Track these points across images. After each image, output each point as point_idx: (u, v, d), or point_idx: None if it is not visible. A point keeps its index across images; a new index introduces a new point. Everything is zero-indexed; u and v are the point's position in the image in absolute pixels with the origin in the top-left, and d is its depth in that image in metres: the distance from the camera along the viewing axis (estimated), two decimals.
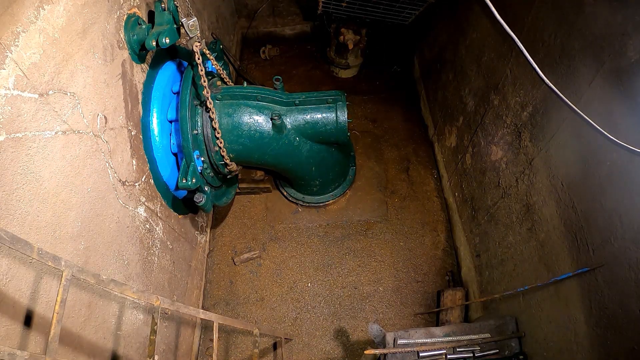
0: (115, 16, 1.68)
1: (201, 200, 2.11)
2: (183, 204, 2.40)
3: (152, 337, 1.24)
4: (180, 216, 2.42)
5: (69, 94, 1.35)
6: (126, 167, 1.77)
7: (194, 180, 2.00)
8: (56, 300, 0.96)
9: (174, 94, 2.20)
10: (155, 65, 2.03)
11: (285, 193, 3.16)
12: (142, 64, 1.95)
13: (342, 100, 2.35)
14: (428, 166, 3.31)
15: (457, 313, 2.53)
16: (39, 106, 1.21)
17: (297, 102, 2.33)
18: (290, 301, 2.78)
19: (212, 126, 2.17)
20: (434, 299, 2.74)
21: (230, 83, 2.50)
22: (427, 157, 3.38)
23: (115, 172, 1.67)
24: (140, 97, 1.92)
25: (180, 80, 2.15)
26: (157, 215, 2.08)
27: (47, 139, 1.25)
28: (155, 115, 2.06)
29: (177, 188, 2.17)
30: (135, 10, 1.85)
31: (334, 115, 2.32)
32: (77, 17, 1.39)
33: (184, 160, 2.06)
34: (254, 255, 2.94)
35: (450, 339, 1.87)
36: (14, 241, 0.89)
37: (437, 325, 2.59)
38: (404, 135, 3.53)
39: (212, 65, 2.28)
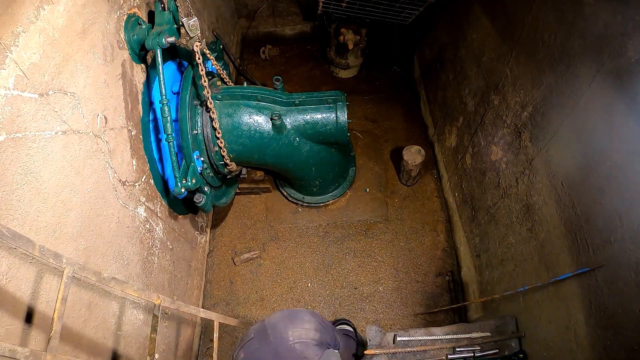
0: (115, 16, 1.68)
1: (201, 201, 2.11)
2: (183, 204, 2.40)
3: (152, 336, 1.24)
4: (180, 216, 2.42)
5: (69, 94, 1.35)
6: (126, 167, 1.77)
7: (193, 181, 2.00)
8: (57, 298, 0.97)
9: (174, 94, 2.20)
10: (155, 65, 2.03)
11: (285, 193, 3.16)
12: (142, 64, 1.95)
13: (342, 100, 2.35)
14: (428, 166, 3.31)
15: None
16: (39, 106, 1.21)
17: (297, 102, 2.33)
18: (290, 301, 2.78)
19: (213, 126, 2.18)
20: (434, 299, 2.74)
21: (231, 83, 2.50)
22: (427, 157, 3.38)
23: (115, 172, 1.67)
24: (140, 97, 1.92)
25: (180, 81, 2.15)
26: (157, 215, 2.08)
27: (47, 139, 1.25)
28: (155, 115, 2.06)
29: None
30: (135, 10, 1.85)
31: (334, 115, 2.32)
32: (77, 17, 1.40)
33: (184, 160, 2.06)
34: (254, 255, 2.94)
35: (450, 337, 1.87)
36: (15, 238, 0.89)
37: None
38: (404, 135, 3.53)
39: (212, 65, 2.28)
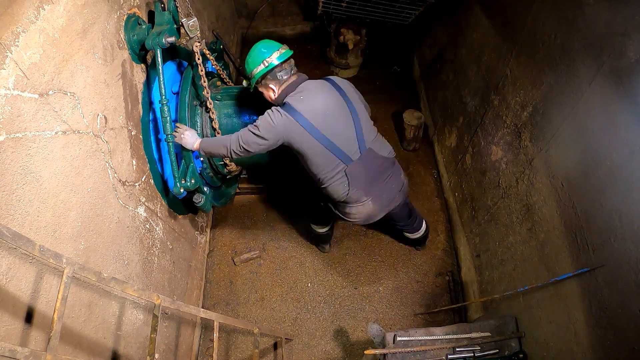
0: (115, 16, 1.68)
1: (200, 201, 2.11)
2: (183, 204, 2.40)
3: (152, 336, 1.24)
4: (180, 216, 2.42)
5: (69, 94, 1.35)
6: (126, 167, 1.77)
7: (193, 181, 2.00)
8: (57, 298, 0.96)
9: (174, 94, 2.20)
10: (155, 65, 2.03)
11: None
12: (142, 64, 1.95)
13: None
14: (428, 166, 3.31)
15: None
16: (39, 106, 1.21)
17: None
18: (290, 301, 2.78)
19: (212, 126, 2.18)
20: (434, 299, 2.74)
21: (231, 83, 2.50)
22: (427, 157, 3.38)
23: (115, 172, 1.67)
24: (140, 97, 1.92)
25: (180, 81, 2.15)
26: (157, 215, 2.08)
27: (47, 139, 1.25)
28: (155, 115, 2.06)
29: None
30: (135, 10, 1.85)
31: None
32: (77, 17, 1.40)
33: (183, 160, 2.06)
34: (254, 255, 2.94)
35: (450, 337, 1.87)
36: (15, 238, 0.89)
37: None
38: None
39: (212, 65, 2.28)
